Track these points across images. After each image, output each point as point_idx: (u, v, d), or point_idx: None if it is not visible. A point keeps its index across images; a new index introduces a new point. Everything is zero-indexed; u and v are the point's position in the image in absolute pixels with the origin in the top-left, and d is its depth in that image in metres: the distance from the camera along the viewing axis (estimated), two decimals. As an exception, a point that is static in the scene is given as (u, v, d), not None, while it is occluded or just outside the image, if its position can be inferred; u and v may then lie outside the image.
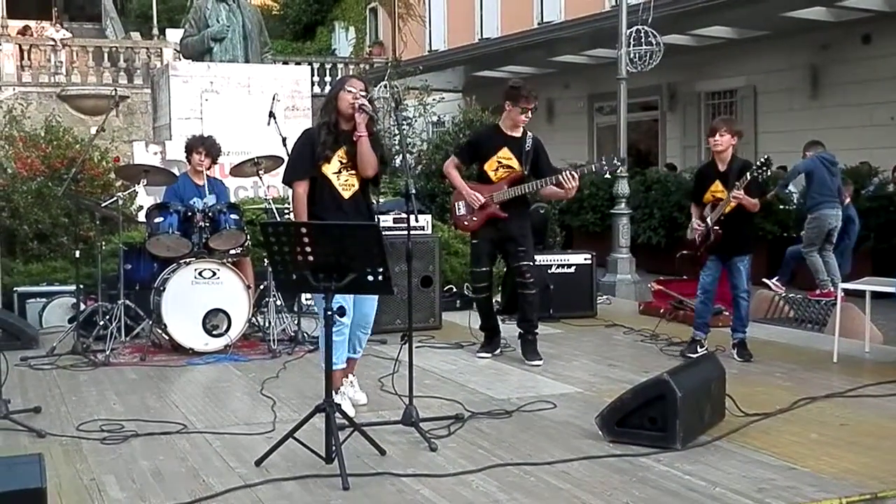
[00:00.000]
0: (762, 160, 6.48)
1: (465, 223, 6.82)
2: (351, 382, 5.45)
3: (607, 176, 7.11)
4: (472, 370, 6.50)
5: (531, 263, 6.75)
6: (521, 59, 19.63)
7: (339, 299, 4.66)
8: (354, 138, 5.13)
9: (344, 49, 28.47)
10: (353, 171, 5.22)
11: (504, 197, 6.60)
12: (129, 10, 31.63)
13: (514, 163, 6.63)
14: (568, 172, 6.46)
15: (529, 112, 6.60)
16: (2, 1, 23.73)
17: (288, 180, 5.33)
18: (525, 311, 6.78)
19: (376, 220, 5.36)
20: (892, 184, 12.55)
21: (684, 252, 6.95)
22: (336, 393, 4.88)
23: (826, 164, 10.41)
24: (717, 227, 6.56)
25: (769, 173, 6.64)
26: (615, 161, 6.82)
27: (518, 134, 6.66)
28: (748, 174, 6.40)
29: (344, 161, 5.20)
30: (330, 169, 5.18)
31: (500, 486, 4.03)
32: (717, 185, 6.62)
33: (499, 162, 6.64)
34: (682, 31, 15.84)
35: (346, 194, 5.21)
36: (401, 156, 5.84)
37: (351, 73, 23.56)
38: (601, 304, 9.25)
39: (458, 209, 6.82)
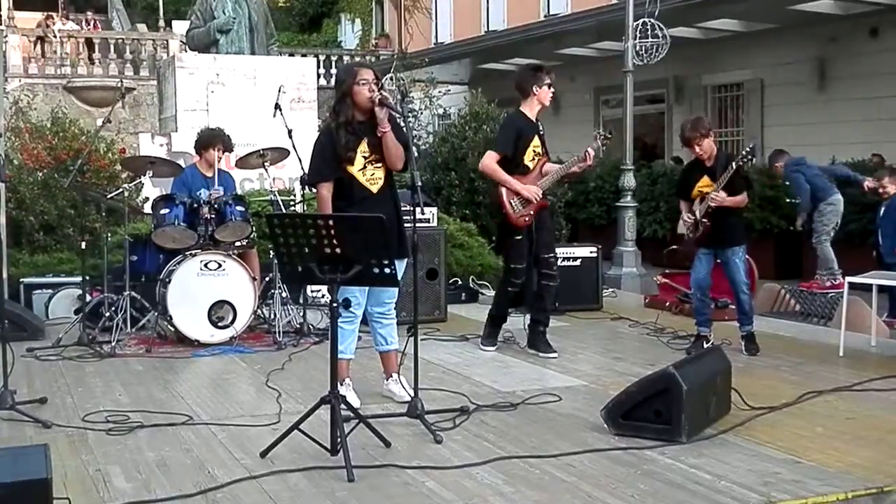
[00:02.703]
0: (746, 150, 6.50)
1: (525, 219, 6.51)
2: (396, 380, 5.37)
3: (603, 148, 7.11)
4: (477, 363, 6.50)
5: (556, 256, 6.79)
6: (527, 51, 19.53)
7: (352, 289, 4.68)
8: (379, 134, 5.01)
9: (350, 41, 28.45)
10: (379, 164, 5.10)
11: (546, 185, 6.58)
12: (135, 2, 31.66)
13: (541, 149, 6.61)
14: (586, 152, 6.45)
15: (552, 86, 6.56)
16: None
17: (312, 182, 5.23)
18: (544, 301, 6.76)
19: (400, 209, 5.24)
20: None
21: (674, 247, 6.95)
22: (341, 385, 4.88)
23: (804, 167, 10.86)
24: (705, 220, 6.56)
25: (753, 163, 6.66)
26: (606, 134, 6.79)
27: (535, 119, 6.63)
28: (727, 171, 6.43)
29: (367, 155, 5.07)
30: (354, 167, 5.06)
31: (506, 479, 4.03)
32: (706, 181, 6.62)
33: (534, 151, 6.57)
34: (689, 23, 15.78)
35: (375, 188, 5.11)
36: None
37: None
38: (607, 297, 9.24)
39: (514, 207, 6.48)
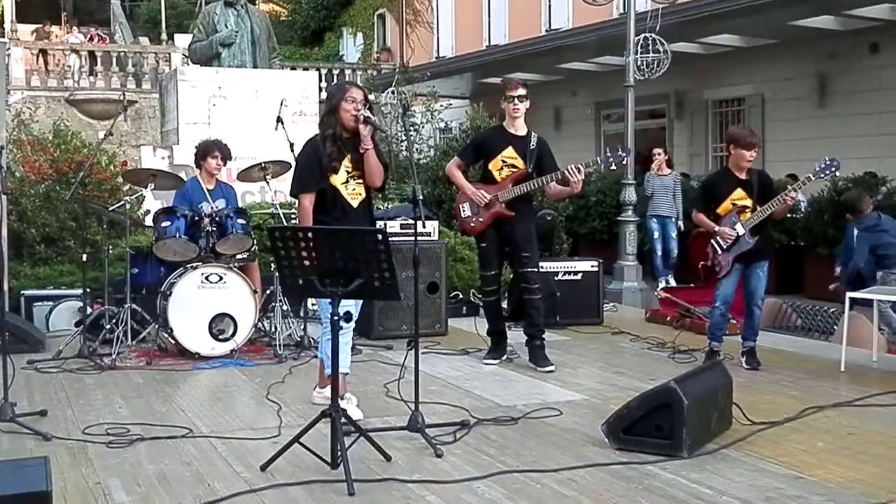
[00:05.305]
0: (826, 162, 6.39)
1: (472, 224, 6.72)
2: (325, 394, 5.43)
3: (613, 168, 7.11)
4: (478, 376, 6.48)
5: (535, 269, 6.74)
6: (528, 65, 19.62)
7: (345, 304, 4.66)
8: (361, 151, 5.21)
9: (352, 55, 28.50)
10: (360, 181, 5.30)
11: (509, 196, 6.58)
12: (137, 16, 31.73)
13: (519, 162, 6.61)
14: (573, 167, 6.40)
15: (516, 100, 6.57)
16: (12, 6, 23.83)
17: (295, 193, 5.36)
18: (532, 317, 6.77)
19: (375, 225, 5.39)
20: None
21: (705, 262, 6.79)
22: (342, 398, 4.87)
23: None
24: (756, 237, 6.43)
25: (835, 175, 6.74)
26: (620, 153, 6.68)
27: (523, 133, 6.66)
28: (810, 175, 6.43)
29: (350, 170, 5.27)
30: (338, 179, 5.25)
31: (506, 493, 4.02)
32: (740, 193, 6.51)
33: (503, 161, 6.62)
34: (690, 38, 15.82)
35: (355, 203, 5.30)
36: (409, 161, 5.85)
37: (358, 79, 23.58)
38: (607, 311, 9.23)
39: (463, 210, 6.75)
